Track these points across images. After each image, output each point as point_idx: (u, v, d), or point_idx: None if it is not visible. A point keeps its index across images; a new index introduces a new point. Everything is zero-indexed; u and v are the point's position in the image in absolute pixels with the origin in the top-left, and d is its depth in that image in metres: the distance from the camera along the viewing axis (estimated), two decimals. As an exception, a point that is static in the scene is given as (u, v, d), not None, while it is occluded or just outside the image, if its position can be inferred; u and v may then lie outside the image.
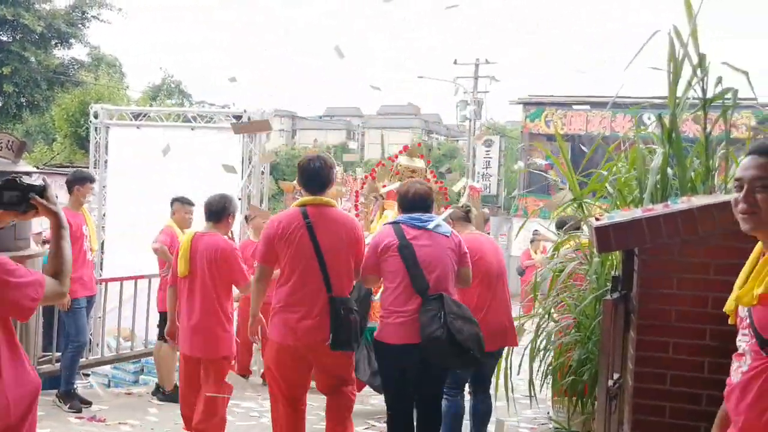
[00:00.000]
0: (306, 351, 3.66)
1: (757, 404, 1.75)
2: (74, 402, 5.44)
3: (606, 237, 2.61)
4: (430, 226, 3.73)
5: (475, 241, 4.16)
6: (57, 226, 2.26)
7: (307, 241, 3.61)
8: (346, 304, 3.60)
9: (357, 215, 7.02)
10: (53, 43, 21.83)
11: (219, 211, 4.42)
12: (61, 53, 22.90)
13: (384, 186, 7.02)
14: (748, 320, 1.81)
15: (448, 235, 3.77)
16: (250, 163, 8.24)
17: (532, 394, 4.32)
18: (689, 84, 3.57)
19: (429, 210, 3.85)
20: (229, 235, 4.82)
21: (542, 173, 12.13)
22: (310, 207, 3.69)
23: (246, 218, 7.11)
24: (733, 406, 1.84)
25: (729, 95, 3.53)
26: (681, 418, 2.62)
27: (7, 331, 2.07)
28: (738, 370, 1.82)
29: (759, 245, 1.86)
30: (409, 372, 3.62)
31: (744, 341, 1.82)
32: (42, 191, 2.22)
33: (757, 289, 1.75)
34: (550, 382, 4.40)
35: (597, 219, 2.90)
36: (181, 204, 6.13)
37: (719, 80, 3.54)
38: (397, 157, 7.17)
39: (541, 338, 4.23)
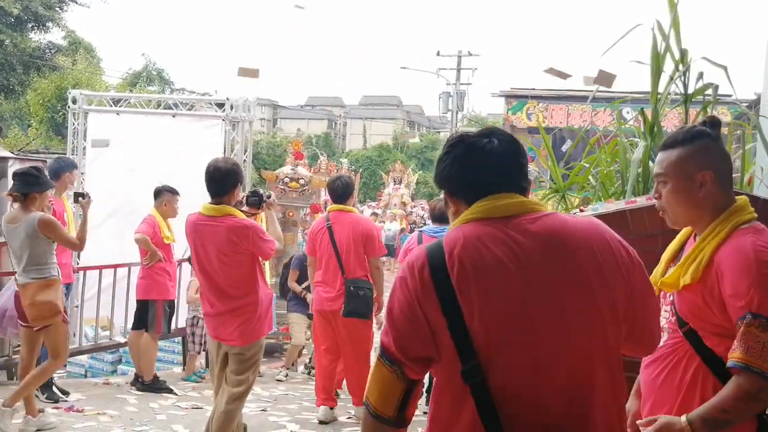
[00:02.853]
0: (331, 316, 5.03)
1: (668, 379, 1.85)
2: (51, 392, 5.37)
3: (590, 229, 2.63)
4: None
5: None
6: (272, 213, 4.27)
7: (327, 237, 5.00)
8: (355, 284, 4.92)
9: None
10: (29, 26, 21.46)
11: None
12: (37, 37, 22.52)
13: None
14: (670, 298, 1.91)
15: None
16: (232, 151, 8.17)
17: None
18: (671, 79, 3.60)
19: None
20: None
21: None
22: (332, 212, 5.14)
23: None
24: (647, 379, 1.93)
25: (710, 91, 3.56)
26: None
27: (258, 263, 3.89)
28: None
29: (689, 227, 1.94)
30: None
31: (665, 318, 1.90)
32: (269, 197, 4.25)
33: (683, 278, 1.82)
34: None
35: (581, 210, 2.92)
36: (172, 194, 6.04)
37: (700, 75, 3.57)
38: None
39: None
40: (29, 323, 4.34)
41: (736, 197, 1.88)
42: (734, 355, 1.67)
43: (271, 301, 4.06)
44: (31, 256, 4.27)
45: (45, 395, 5.32)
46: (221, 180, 3.77)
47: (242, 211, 3.92)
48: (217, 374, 3.92)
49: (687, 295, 1.83)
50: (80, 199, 4.83)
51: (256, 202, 4.12)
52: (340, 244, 4.96)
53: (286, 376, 6.85)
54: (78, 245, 4.72)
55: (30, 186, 4.24)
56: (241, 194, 4.04)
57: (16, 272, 4.48)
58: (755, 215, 1.85)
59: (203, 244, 3.78)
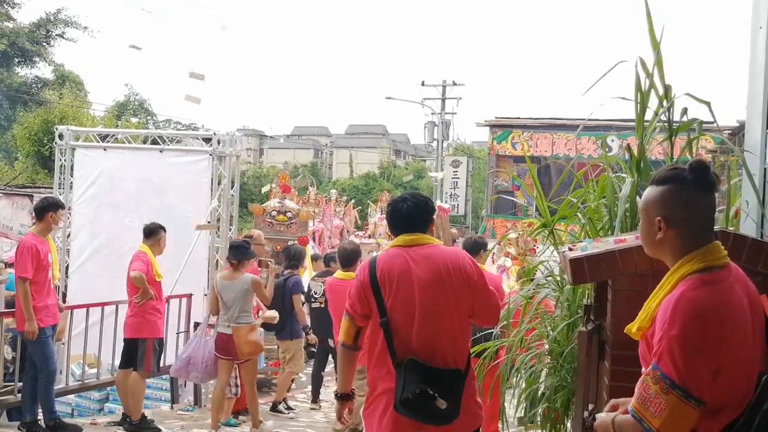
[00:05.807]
0: None
1: None
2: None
3: (581, 269, 2.64)
4: None
5: None
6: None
7: None
8: None
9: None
10: (16, 61, 21.47)
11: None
12: (24, 71, 22.52)
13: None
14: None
15: None
16: (219, 185, 8.16)
17: (504, 421, 4.32)
18: (656, 114, 3.64)
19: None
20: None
21: (509, 197, 12.26)
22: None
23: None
24: None
25: (694, 125, 3.60)
26: (655, 448, 2.63)
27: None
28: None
29: None
30: None
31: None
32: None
33: (633, 326, 1.89)
34: (522, 409, 4.40)
35: (570, 249, 2.93)
36: (164, 231, 6.03)
37: (684, 111, 3.62)
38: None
39: (515, 367, 4.23)
40: (240, 357, 5.71)
41: (709, 243, 1.81)
42: (632, 402, 1.80)
43: None
44: (243, 306, 5.66)
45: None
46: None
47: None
48: None
49: (640, 342, 1.91)
50: (269, 264, 6.44)
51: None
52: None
53: (288, 409, 6.91)
54: (268, 302, 6.18)
55: (243, 255, 5.81)
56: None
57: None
58: (714, 263, 1.79)
59: None
